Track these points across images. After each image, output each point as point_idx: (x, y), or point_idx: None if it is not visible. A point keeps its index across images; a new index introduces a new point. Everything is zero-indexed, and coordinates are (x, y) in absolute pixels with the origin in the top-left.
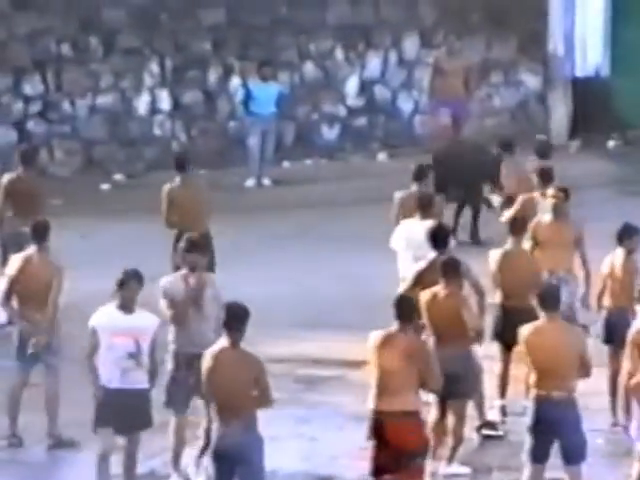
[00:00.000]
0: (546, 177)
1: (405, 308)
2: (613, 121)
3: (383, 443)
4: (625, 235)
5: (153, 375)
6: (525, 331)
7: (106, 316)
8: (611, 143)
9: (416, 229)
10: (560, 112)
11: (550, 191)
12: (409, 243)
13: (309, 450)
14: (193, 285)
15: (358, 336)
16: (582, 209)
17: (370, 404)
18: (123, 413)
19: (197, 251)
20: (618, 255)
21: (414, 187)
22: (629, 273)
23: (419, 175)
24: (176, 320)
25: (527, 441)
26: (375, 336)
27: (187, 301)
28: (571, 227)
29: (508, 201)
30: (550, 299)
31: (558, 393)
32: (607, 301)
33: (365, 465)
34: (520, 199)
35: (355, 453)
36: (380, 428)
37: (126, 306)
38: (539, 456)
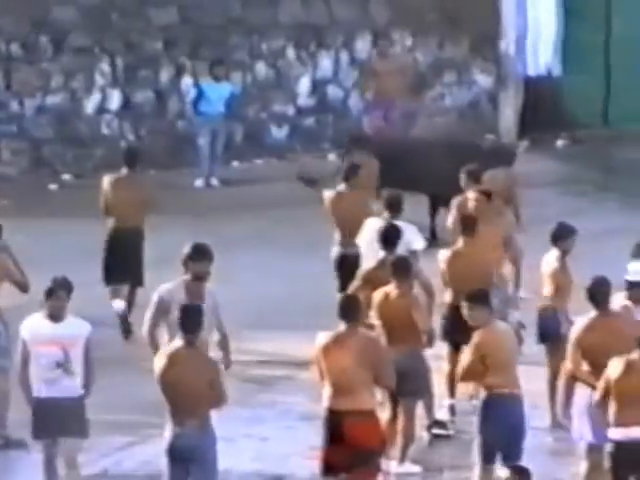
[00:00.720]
0: (473, 177)
1: (349, 308)
2: (562, 121)
3: (339, 442)
4: (559, 236)
5: (88, 383)
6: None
7: (32, 326)
8: (560, 143)
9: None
10: (509, 111)
11: (471, 194)
12: (370, 242)
13: (261, 450)
14: (195, 295)
15: (308, 337)
16: (531, 209)
17: (325, 403)
18: (56, 422)
19: (206, 259)
20: (552, 256)
21: (342, 187)
22: (562, 274)
23: (349, 174)
24: (174, 329)
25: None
26: (324, 337)
27: None
28: (495, 230)
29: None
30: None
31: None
32: (540, 301)
33: (316, 464)
34: (455, 200)
35: (306, 452)
36: (336, 427)
37: (54, 315)
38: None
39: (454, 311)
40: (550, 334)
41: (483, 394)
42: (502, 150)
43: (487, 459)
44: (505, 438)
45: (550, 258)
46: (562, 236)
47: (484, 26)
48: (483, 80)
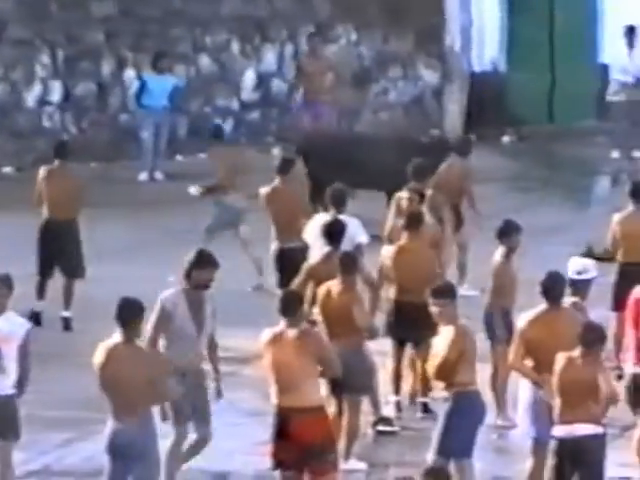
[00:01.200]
0: (419, 174)
1: (289, 304)
2: (508, 117)
3: (287, 439)
4: (504, 233)
5: (22, 381)
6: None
7: None
8: (505, 139)
9: None
10: (455, 107)
11: (404, 194)
12: (316, 238)
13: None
14: (196, 302)
15: (252, 332)
16: (478, 204)
17: (273, 400)
18: None
19: (210, 266)
20: (498, 253)
21: (277, 181)
22: (504, 272)
23: (283, 169)
24: (175, 335)
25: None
26: (267, 333)
27: (187, 317)
28: (426, 230)
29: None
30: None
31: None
32: (486, 298)
33: (261, 460)
34: (395, 197)
35: (251, 449)
36: (284, 424)
37: None
38: None
39: (398, 307)
40: (491, 332)
41: (454, 391)
42: (443, 144)
43: (467, 454)
44: (474, 435)
45: (495, 255)
46: (507, 233)
47: (429, 21)
48: (429, 75)
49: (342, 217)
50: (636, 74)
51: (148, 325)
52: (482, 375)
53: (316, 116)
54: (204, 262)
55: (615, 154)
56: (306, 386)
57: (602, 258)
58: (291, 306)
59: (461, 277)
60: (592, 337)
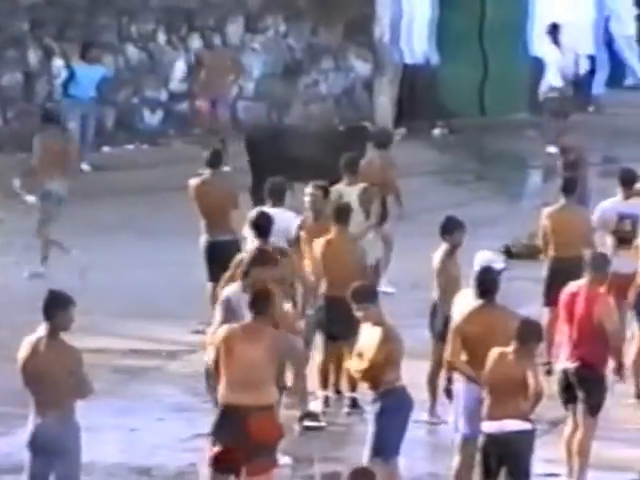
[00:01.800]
0: (350, 168)
1: (259, 301)
2: (439, 109)
3: (238, 437)
4: (447, 230)
5: None
6: None
7: None
8: (436, 131)
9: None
10: (385, 99)
11: (308, 189)
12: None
13: (128, 441)
14: None
15: (178, 326)
16: (407, 198)
17: (224, 398)
18: None
19: (270, 264)
20: (440, 251)
21: (207, 174)
22: (446, 269)
23: (214, 161)
24: None
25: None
26: (230, 329)
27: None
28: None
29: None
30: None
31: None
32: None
33: (186, 456)
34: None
35: (175, 444)
36: (236, 422)
37: None
38: None
39: (328, 302)
40: (434, 328)
41: (381, 390)
42: (362, 133)
43: (397, 452)
44: (404, 432)
45: (438, 252)
46: (450, 230)
47: (359, 12)
48: (360, 67)
49: (279, 210)
50: (567, 72)
51: (214, 320)
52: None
53: (214, 108)
54: (263, 260)
55: (550, 149)
56: (265, 385)
57: (521, 255)
58: (260, 303)
59: (382, 272)
60: (528, 333)
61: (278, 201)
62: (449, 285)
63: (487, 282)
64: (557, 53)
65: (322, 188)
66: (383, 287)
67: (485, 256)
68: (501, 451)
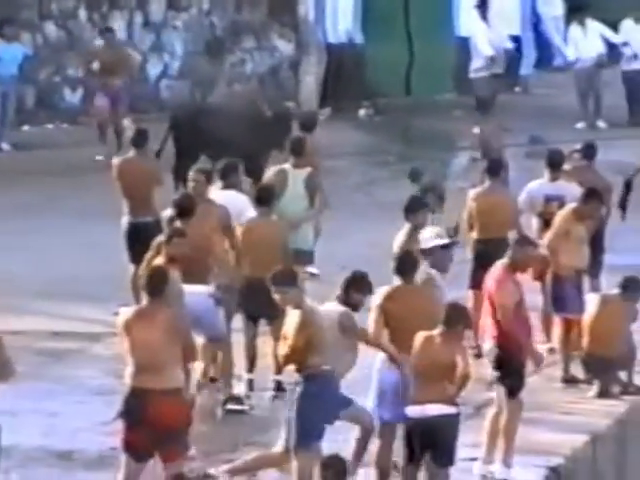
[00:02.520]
0: (296, 149)
1: (155, 282)
2: (364, 89)
3: (144, 421)
4: (410, 210)
5: None
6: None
7: None
8: (362, 112)
9: (226, 200)
10: (310, 79)
11: (191, 174)
12: None
13: (49, 425)
14: None
15: (101, 308)
16: (332, 179)
17: (129, 381)
18: None
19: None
20: (403, 231)
21: (131, 153)
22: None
23: (138, 141)
24: None
25: None
26: (129, 312)
27: None
28: (216, 211)
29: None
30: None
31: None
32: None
33: (108, 440)
34: (271, 170)
35: (97, 428)
36: (141, 406)
37: None
38: None
39: (249, 283)
40: None
41: (305, 374)
42: (287, 116)
43: (317, 439)
44: (328, 417)
45: (400, 233)
46: (413, 210)
47: None
48: (283, 46)
49: (231, 193)
50: (497, 47)
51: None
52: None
53: (110, 99)
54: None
55: (475, 129)
56: (167, 368)
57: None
58: (158, 285)
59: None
60: (455, 317)
61: (230, 183)
62: None
63: (405, 264)
64: (484, 28)
65: (204, 173)
66: (309, 268)
67: (433, 232)
68: (425, 435)
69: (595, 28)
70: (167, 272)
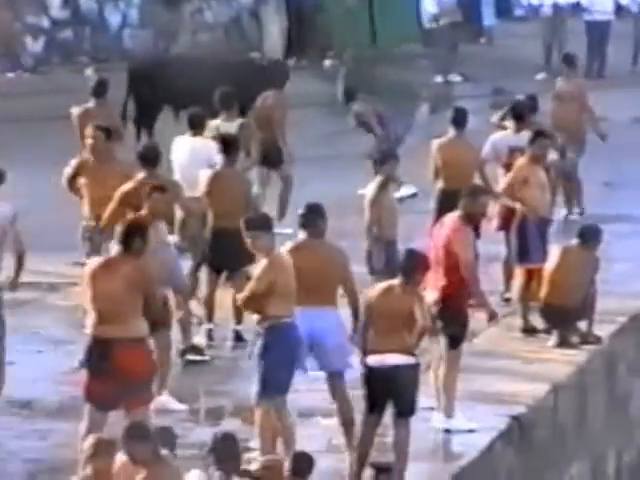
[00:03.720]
0: (225, 102)
1: (124, 233)
2: (329, 40)
3: (106, 371)
4: (381, 161)
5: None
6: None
7: None
8: (327, 62)
9: (184, 147)
10: (274, 29)
11: (88, 130)
12: (176, 161)
13: (7, 375)
14: None
15: (57, 259)
16: (297, 129)
17: (91, 331)
18: None
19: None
20: (373, 183)
21: (91, 103)
22: (382, 202)
23: (99, 91)
24: None
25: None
26: (94, 263)
27: None
28: (119, 166)
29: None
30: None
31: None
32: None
33: (67, 389)
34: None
35: (55, 377)
36: (103, 355)
37: None
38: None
39: (214, 233)
40: (370, 266)
41: (266, 325)
42: (278, 68)
43: (279, 391)
44: (290, 369)
45: (370, 185)
46: (383, 161)
47: None
48: None
49: (199, 139)
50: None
51: None
52: None
53: None
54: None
55: (438, 79)
56: (130, 318)
57: None
58: (130, 238)
59: (280, 213)
60: (412, 266)
61: (198, 131)
62: (382, 219)
63: (309, 218)
64: None
65: (103, 129)
66: (280, 228)
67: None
68: (385, 384)
69: None
70: (140, 227)
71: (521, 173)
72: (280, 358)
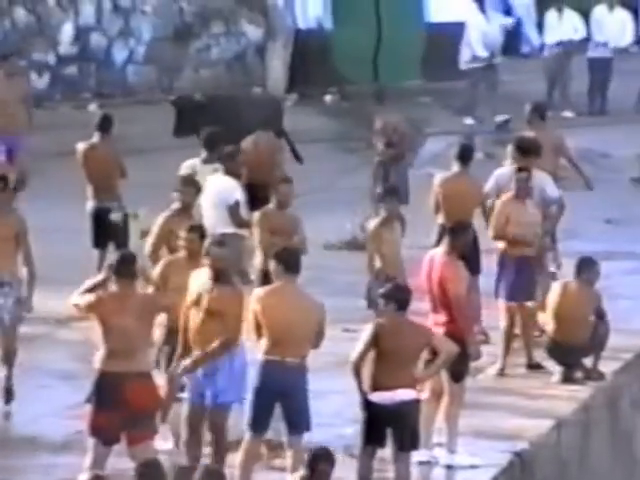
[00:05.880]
0: (208, 143)
1: (125, 265)
2: (331, 75)
3: (116, 405)
4: (383, 198)
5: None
6: (260, 293)
7: None
8: (328, 98)
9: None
10: (278, 64)
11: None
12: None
13: (13, 409)
14: None
15: (65, 292)
16: (298, 165)
17: (102, 366)
18: None
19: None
20: (376, 219)
21: (95, 138)
22: (382, 237)
23: (104, 126)
24: None
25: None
26: (100, 298)
27: None
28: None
29: None
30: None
31: (291, 359)
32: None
33: (72, 424)
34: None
35: (61, 412)
36: (112, 389)
37: None
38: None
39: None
40: (370, 300)
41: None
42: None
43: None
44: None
45: (372, 221)
46: (386, 197)
47: None
48: (252, 31)
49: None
50: (491, 45)
51: None
52: None
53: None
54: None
55: (468, 121)
56: (140, 351)
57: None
58: (128, 268)
59: None
60: (407, 297)
61: (213, 152)
62: (384, 255)
63: (289, 261)
64: (482, 19)
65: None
66: None
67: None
68: (390, 419)
69: (569, 15)
70: (135, 256)
71: (502, 211)
72: (255, 394)
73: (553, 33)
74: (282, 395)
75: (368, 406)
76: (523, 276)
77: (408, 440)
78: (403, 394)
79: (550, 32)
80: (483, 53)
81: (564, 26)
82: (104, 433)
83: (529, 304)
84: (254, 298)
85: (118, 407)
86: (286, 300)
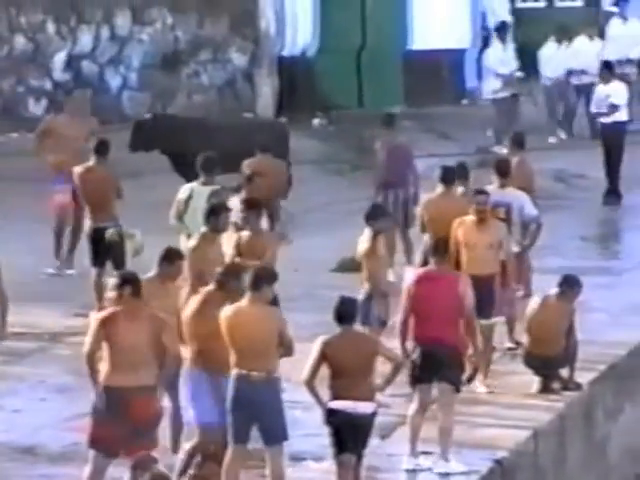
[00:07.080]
0: (206, 166)
1: (136, 284)
2: (318, 101)
3: (119, 418)
4: (371, 217)
5: None
6: (226, 312)
7: None
8: (315, 122)
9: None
10: (266, 90)
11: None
12: None
13: (12, 422)
14: None
15: (61, 309)
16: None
17: (107, 381)
18: None
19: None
20: (365, 237)
21: (92, 161)
22: (371, 255)
23: (101, 150)
24: None
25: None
26: (110, 312)
27: None
28: None
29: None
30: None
31: (257, 373)
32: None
33: (70, 436)
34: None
35: (59, 424)
36: (117, 404)
37: None
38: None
39: None
40: (364, 317)
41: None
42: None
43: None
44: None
45: (362, 239)
46: (374, 216)
47: (243, 5)
48: (238, 59)
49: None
50: (512, 69)
51: None
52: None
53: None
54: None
55: (497, 149)
56: (147, 367)
57: (351, 269)
58: (135, 287)
59: None
60: (347, 312)
61: (211, 175)
62: (378, 269)
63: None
64: (500, 50)
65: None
66: None
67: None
68: (353, 430)
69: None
70: (138, 277)
71: (457, 234)
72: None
73: (550, 64)
74: (251, 407)
75: (331, 416)
76: (480, 295)
77: (363, 450)
78: (363, 407)
79: (547, 63)
80: (504, 70)
81: (562, 57)
82: (105, 445)
83: (483, 322)
84: (222, 316)
85: (121, 421)
86: (245, 315)
